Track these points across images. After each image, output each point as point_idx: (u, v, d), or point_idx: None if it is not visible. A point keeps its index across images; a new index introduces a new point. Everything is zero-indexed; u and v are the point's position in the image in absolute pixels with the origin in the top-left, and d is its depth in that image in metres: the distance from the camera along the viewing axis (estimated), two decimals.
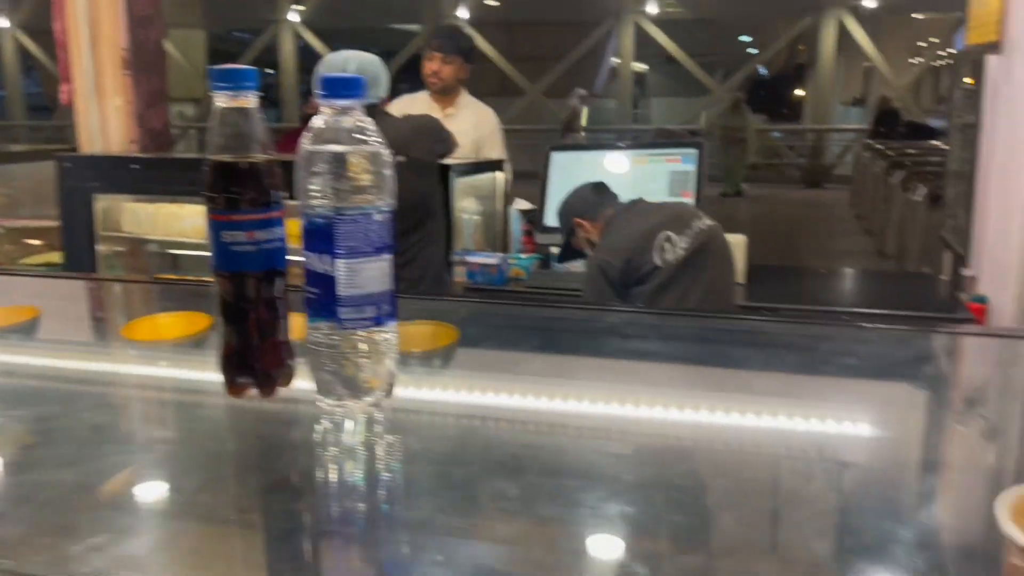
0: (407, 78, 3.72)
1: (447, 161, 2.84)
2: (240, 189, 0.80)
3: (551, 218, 3.64)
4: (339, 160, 0.77)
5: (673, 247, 2.33)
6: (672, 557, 0.64)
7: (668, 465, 0.81)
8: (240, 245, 0.81)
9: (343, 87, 0.78)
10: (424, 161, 2.66)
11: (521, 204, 3.89)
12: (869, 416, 0.92)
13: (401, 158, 2.58)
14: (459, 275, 3.04)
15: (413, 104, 3.48)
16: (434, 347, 1.10)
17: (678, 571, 0.62)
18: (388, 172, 0.79)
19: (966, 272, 2.87)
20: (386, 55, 4.28)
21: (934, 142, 8.84)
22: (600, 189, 2.63)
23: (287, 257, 0.85)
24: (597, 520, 0.68)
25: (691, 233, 2.36)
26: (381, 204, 0.79)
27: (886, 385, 1.02)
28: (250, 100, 0.81)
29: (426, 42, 3.75)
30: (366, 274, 0.78)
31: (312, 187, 0.77)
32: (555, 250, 3.28)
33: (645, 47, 14.75)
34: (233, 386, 0.85)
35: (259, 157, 0.81)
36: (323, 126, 0.78)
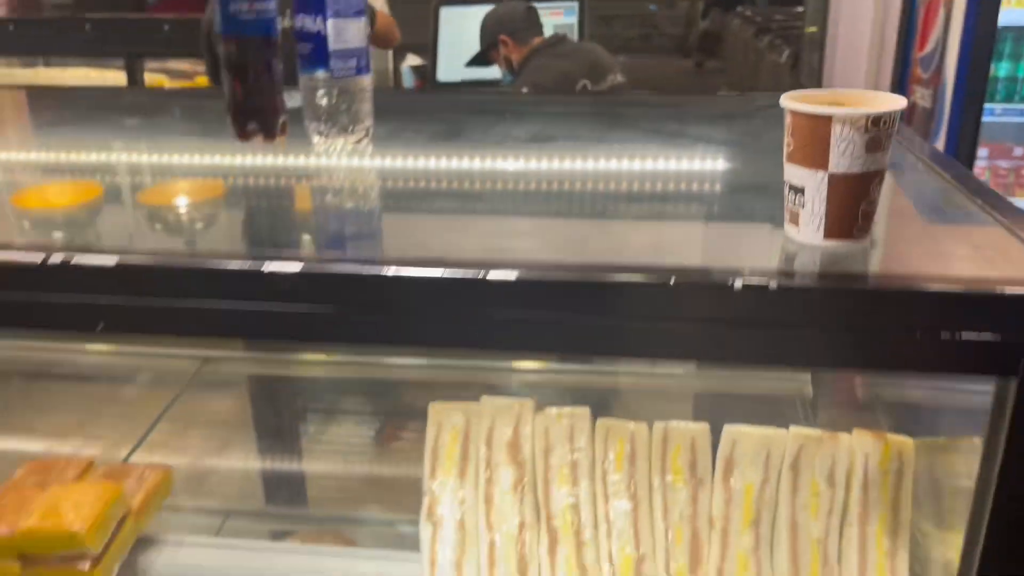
0: None
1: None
2: None
3: (444, 73, 3.81)
4: None
5: None
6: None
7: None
8: (244, 13, 1.02)
9: None
10: None
11: (412, 60, 4.02)
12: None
13: None
14: None
15: None
16: None
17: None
18: None
19: None
20: None
21: (798, 8, 9.25)
22: (532, 14, 2.77)
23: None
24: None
25: (604, 86, 2.63)
26: None
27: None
28: None
29: None
30: (350, 31, 1.01)
31: None
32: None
33: None
34: (243, 132, 1.07)
35: None
36: None
